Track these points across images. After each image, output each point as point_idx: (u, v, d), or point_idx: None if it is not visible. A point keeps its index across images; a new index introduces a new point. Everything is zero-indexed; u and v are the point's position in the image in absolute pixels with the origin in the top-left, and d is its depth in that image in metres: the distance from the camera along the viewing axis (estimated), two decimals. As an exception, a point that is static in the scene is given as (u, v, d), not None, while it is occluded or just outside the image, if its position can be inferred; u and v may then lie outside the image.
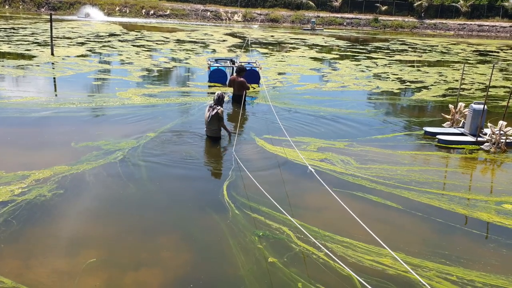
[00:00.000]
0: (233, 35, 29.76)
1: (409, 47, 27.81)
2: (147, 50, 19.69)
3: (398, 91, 13.62)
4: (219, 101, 7.67)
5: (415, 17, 47.54)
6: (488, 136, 8.24)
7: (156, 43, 22.66)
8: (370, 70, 17.29)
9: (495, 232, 5.14)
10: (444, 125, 9.32)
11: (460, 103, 9.33)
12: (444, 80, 15.74)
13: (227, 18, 44.35)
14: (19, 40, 20.15)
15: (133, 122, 8.56)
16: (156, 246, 4.53)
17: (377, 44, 29.49)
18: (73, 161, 6.39)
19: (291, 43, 26.73)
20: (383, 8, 48.56)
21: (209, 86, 12.61)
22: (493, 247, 4.83)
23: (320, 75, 15.93)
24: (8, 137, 7.54)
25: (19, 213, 4.90)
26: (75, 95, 10.69)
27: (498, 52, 28.07)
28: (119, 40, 22.88)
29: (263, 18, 44.53)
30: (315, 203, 5.71)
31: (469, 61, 21.96)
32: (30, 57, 15.80)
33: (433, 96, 12.97)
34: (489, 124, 8.40)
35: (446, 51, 26.78)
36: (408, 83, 14.86)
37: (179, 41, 24.24)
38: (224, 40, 25.82)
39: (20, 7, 40.73)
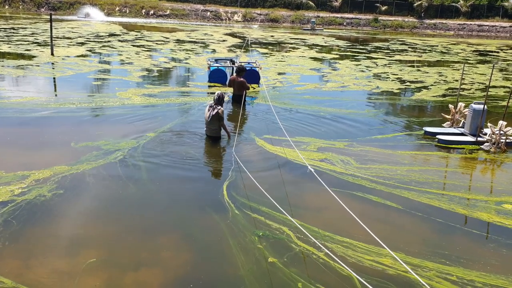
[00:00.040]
0: (233, 35, 29.76)
1: (409, 47, 27.81)
2: (147, 50, 19.69)
3: (398, 91, 13.63)
4: (219, 101, 7.67)
5: (415, 17, 47.55)
6: (488, 136, 8.24)
7: (156, 43, 22.66)
8: (370, 70, 17.29)
9: (495, 232, 5.14)
10: (444, 125, 9.32)
11: (460, 103, 9.33)
12: (444, 80, 15.74)
13: (227, 18, 44.35)
14: (19, 40, 20.15)
15: (133, 122, 8.56)
16: (156, 246, 4.53)
17: (377, 44, 29.50)
18: (73, 161, 6.39)
19: (291, 43, 26.73)
20: (383, 8, 48.56)
21: (209, 86, 12.61)
22: (493, 247, 4.83)
23: (320, 75, 15.93)
24: (8, 137, 7.54)
25: (19, 213, 4.90)
26: (75, 95, 10.69)
27: (498, 52, 28.07)
28: (119, 40, 22.88)
29: (263, 18, 44.54)
30: (315, 203, 5.70)
31: (469, 61, 21.96)
32: (30, 57, 15.80)
33: (433, 96, 12.97)
34: (489, 124, 8.40)
35: (446, 51, 26.78)
36: (408, 83, 14.86)
37: (179, 41, 24.24)
38: (224, 40, 25.82)
39: (20, 7, 40.73)
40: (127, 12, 42.48)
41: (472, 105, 8.63)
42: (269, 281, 4.02)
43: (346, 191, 5.94)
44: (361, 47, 26.81)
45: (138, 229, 4.86)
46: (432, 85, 14.68)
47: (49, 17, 17.71)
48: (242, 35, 29.80)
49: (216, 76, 12.84)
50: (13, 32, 23.30)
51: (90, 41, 21.77)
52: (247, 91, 10.36)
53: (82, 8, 39.70)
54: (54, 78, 12.84)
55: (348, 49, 25.11)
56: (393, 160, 7.28)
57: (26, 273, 3.99)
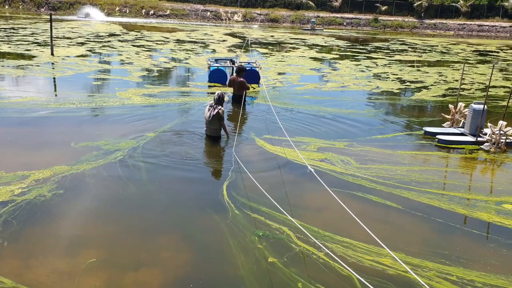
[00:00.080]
0: (233, 35, 29.76)
1: (409, 47, 27.82)
2: (147, 50, 19.69)
3: (398, 91, 13.62)
4: (220, 100, 7.67)
5: (415, 17, 47.54)
6: (488, 136, 8.24)
7: (156, 43, 22.67)
8: (370, 70, 17.29)
9: (495, 232, 5.14)
10: (444, 125, 9.32)
11: (460, 103, 9.33)
12: (444, 80, 15.74)
13: (227, 18, 44.36)
14: (19, 40, 20.15)
15: (133, 122, 8.56)
16: (156, 246, 4.53)
17: (377, 44, 29.50)
18: (73, 161, 6.39)
19: (291, 43, 26.73)
20: (383, 8, 48.56)
21: (209, 86, 12.61)
22: (493, 247, 4.83)
23: (320, 75, 15.93)
24: (8, 137, 7.54)
25: (19, 213, 4.90)
26: (75, 95, 10.69)
27: (498, 52, 28.07)
28: (119, 40, 22.88)
29: (263, 18, 44.54)
30: (315, 203, 5.70)
31: (469, 61, 21.96)
32: (30, 57, 15.80)
33: (433, 96, 12.97)
34: (489, 124, 8.40)
35: (446, 51, 26.78)
36: (408, 83, 14.86)
37: (179, 41, 24.24)
38: (224, 40, 25.82)
39: (20, 7, 40.73)
40: (127, 12, 42.49)
41: (472, 105, 8.63)
42: (269, 281, 4.02)
43: (346, 191, 5.94)
44: (361, 47, 26.81)
45: (138, 229, 4.86)
46: (432, 85, 14.68)
47: (49, 17, 17.71)
48: (242, 35, 29.80)
49: (216, 76, 12.84)
50: (13, 32, 23.30)
51: (90, 41, 21.77)
52: (247, 91, 10.36)
53: (82, 8, 39.69)
54: (54, 78, 12.84)
55: (348, 49, 25.11)
56: (393, 160, 7.28)
57: (26, 273, 3.99)
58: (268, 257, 4.37)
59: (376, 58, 21.15)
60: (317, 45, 26.55)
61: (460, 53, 26.03)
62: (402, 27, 45.36)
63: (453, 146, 8.27)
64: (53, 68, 14.15)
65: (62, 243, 4.47)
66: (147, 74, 14.17)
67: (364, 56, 21.97)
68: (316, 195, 5.85)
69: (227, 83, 11.90)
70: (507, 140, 8.15)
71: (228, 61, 13.70)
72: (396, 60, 20.86)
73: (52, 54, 16.39)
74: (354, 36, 35.98)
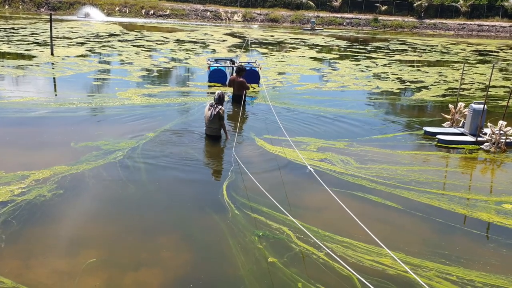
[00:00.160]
0: (233, 35, 29.76)
1: (409, 47, 27.82)
2: (147, 50, 19.69)
3: (398, 91, 13.62)
4: (220, 100, 7.68)
5: (415, 17, 47.54)
6: (488, 136, 8.24)
7: (156, 43, 22.66)
8: (370, 70, 17.29)
9: (495, 232, 5.14)
10: (444, 125, 9.32)
11: (460, 103, 9.33)
12: (444, 80, 15.74)
13: (227, 18, 44.35)
14: (19, 40, 20.14)
15: (132, 122, 8.56)
16: (156, 246, 4.53)
17: (377, 44, 29.50)
18: (73, 161, 6.39)
19: (291, 43, 26.73)
20: (383, 8, 48.56)
21: (209, 86, 12.61)
22: (493, 247, 4.83)
23: (320, 75, 15.93)
24: (7, 137, 7.54)
25: (19, 213, 4.90)
26: (75, 95, 10.69)
27: (498, 52, 28.07)
28: (119, 40, 22.87)
29: (263, 18, 44.53)
30: (315, 203, 5.70)
31: (469, 61, 21.96)
32: (30, 57, 15.80)
33: (433, 96, 12.97)
34: (489, 124, 8.41)
35: (446, 51, 26.78)
36: (408, 83, 14.86)
37: (179, 41, 24.24)
38: (224, 40, 25.82)
39: (20, 7, 40.73)
40: (127, 12, 42.48)
41: (472, 105, 8.63)
42: (269, 281, 4.02)
43: (346, 191, 5.94)
44: (361, 47, 26.81)
45: (138, 229, 4.86)
46: (432, 85, 14.68)
47: (49, 17, 17.71)
48: (242, 35, 29.80)
49: (216, 76, 12.84)
50: (13, 32, 23.30)
51: (90, 41, 21.76)
52: (247, 91, 10.36)
53: (82, 8, 39.69)
54: (54, 78, 12.84)
55: (348, 49, 25.11)
56: (393, 160, 7.28)
57: (26, 273, 3.99)
58: (268, 257, 4.37)
59: (376, 58, 21.15)
60: (317, 45, 26.55)
61: (460, 53, 26.04)
62: (402, 27, 45.36)
63: (453, 146, 8.27)
64: (53, 68, 14.14)
65: (62, 243, 4.47)
66: (147, 74, 14.17)
67: (364, 56, 21.98)
68: (316, 195, 5.85)
69: (227, 83, 11.89)
70: (507, 140, 8.15)
71: (228, 61, 13.69)
72: (396, 60, 20.86)
73: (52, 54, 16.38)
74: (354, 36, 35.98)
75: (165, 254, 4.39)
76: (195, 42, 24.15)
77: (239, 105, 9.88)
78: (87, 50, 18.47)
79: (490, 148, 8.09)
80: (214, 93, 7.86)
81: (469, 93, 13.62)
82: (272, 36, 31.14)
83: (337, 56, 21.82)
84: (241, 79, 10.23)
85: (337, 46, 26.81)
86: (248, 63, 13.74)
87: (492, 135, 8.13)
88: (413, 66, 19.31)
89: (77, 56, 16.71)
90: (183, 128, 8.33)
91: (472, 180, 6.89)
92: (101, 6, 41.62)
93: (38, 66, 14.27)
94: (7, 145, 7.17)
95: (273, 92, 12.22)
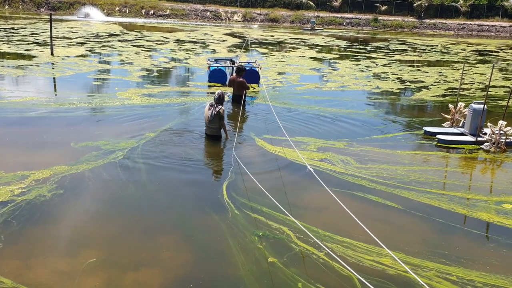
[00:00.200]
0: (233, 35, 29.76)
1: (408, 47, 27.81)
2: (147, 50, 19.69)
3: (398, 91, 13.62)
4: (220, 100, 7.68)
5: (415, 17, 47.54)
6: (488, 136, 8.24)
7: (156, 43, 22.66)
8: (370, 70, 17.29)
9: (495, 232, 5.14)
10: (444, 125, 9.32)
11: (460, 103, 9.33)
12: (444, 80, 15.74)
13: (227, 18, 44.35)
14: (18, 40, 20.14)
15: (132, 122, 8.56)
16: (156, 246, 4.53)
17: (376, 44, 29.50)
18: (73, 161, 6.39)
19: (291, 43, 26.73)
20: (383, 8, 48.56)
21: (209, 86, 12.61)
22: (493, 247, 4.83)
23: (320, 75, 15.93)
24: (7, 137, 7.53)
25: (19, 213, 4.90)
26: (75, 95, 10.69)
27: (497, 52, 28.07)
28: (119, 40, 22.87)
29: (263, 18, 44.53)
30: (315, 203, 5.70)
31: (468, 61, 21.96)
32: (30, 57, 15.80)
33: (433, 96, 12.97)
34: (489, 124, 8.41)
35: (446, 51, 26.78)
36: (408, 83, 14.86)
37: (178, 41, 24.24)
38: (224, 40, 25.82)
39: (20, 7, 40.73)
40: (127, 12, 42.48)
41: (472, 105, 8.63)
42: (269, 281, 4.02)
43: (346, 191, 5.94)
44: (361, 47, 26.81)
45: (138, 229, 4.86)
46: (432, 85, 14.68)
47: (48, 17, 17.71)
48: (242, 35, 29.79)
49: (216, 76, 12.84)
50: (13, 32, 23.30)
51: (90, 41, 21.76)
52: (247, 91, 10.36)
53: (82, 8, 39.69)
54: (54, 78, 12.84)
55: (348, 49, 25.11)
56: (393, 160, 7.28)
57: (26, 273, 3.99)
58: (268, 257, 4.37)
59: (376, 58, 21.15)
60: (317, 45, 26.55)
61: (460, 53, 26.04)
62: (402, 27, 45.36)
63: (453, 146, 8.27)
64: (53, 68, 14.14)
65: (62, 243, 4.47)
66: (147, 74, 14.17)
67: (364, 56, 21.97)
68: (316, 195, 5.85)
69: (227, 83, 11.89)
70: (507, 140, 8.15)
71: (228, 61, 13.69)
72: (396, 60, 20.86)
73: (52, 54, 16.38)
74: (354, 36, 35.98)
75: (165, 254, 4.39)
76: (195, 42, 24.15)
77: (239, 105, 9.88)
78: (87, 50, 18.46)
79: (490, 148, 8.09)
80: (214, 93, 7.86)
81: (469, 93, 13.62)
82: (272, 36, 31.14)
83: (337, 56, 21.82)
84: (241, 79, 10.22)
85: (337, 46, 26.81)
86: (248, 63, 13.74)
87: (492, 135, 8.13)
88: (413, 66, 19.31)
89: (77, 56, 16.71)
90: (183, 128, 8.33)
91: (472, 180, 6.89)
92: (101, 6, 41.62)
93: (38, 66, 14.27)
94: (7, 145, 7.17)
95: (273, 92, 12.22)
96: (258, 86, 12.63)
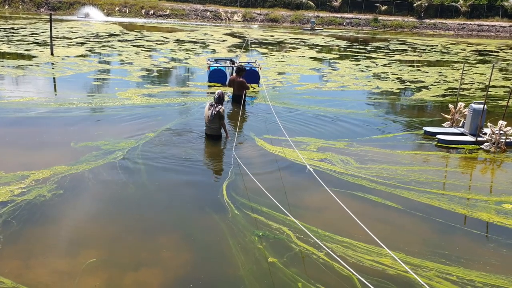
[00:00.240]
0: (232, 35, 29.76)
1: (408, 47, 27.81)
2: (147, 50, 19.68)
3: (398, 91, 13.63)
4: (220, 99, 7.68)
5: (415, 17, 47.54)
6: (488, 136, 8.24)
7: (156, 43, 22.66)
8: (369, 70, 17.29)
9: (495, 232, 5.14)
10: (444, 125, 9.32)
11: (460, 103, 9.33)
12: (444, 80, 15.74)
13: (227, 18, 44.35)
14: (18, 40, 20.14)
15: (132, 122, 8.56)
16: (156, 246, 4.53)
17: (376, 44, 29.50)
18: (73, 161, 6.39)
19: (291, 43, 26.73)
20: (383, 8, 48.55)
21: (209, 86, 12.61)
22: (493, 247, 4.83)
23: (320, 75, 15.93)
24: (7, 137, 7.53)
25: (19, 213, 4.90)
26: (75, 95, 10.69)
27: (497, 52, 28.07)
28: (119, 40, 22.87)
29: (262, 18, 44.53)
30: (315, 203, 5.70)
31: (468, 61, 21.96)
32: (30, 57, 15.79)
33: (433, 96, 12.97)
34: (489, 124, 8.41)
35: (446, 51, 26.78)
36: (407, 83, 14.86)
37: (178, 41, 24.23)
38: (223, 40, 25.82)
39: (20, 7, 40.72)
40: (127, 12, 42.47)
41: (472, 105, 8.63)
42: (269, 281, 4.02)
43: (346, 191, 5.94)
44: (361, 47, 26.81)
45: (138, 229, 4.86)
46: (432, 85, 14.68)
47: (48, 17, 17.70)
48: (242, 35, 29.79)
49: (216, 76, 12.84)
50: (13, 32, 23.30)
51: (90, 41, 21.76)
52: (247, 91, 10.36)
53: (82, 8, 39.68)
54: (54, 78, 12.84)
55: (348, 49, 25.11)
56: (393, 160, 7.28)
57: (26, 273, 3.99)
58: (268, 257, 4.37)
59: (376, 58, 21.15)
60: (317, 45, 26.55)
61: (460, 53, 26.04)
62: (402, 27, 45.35)
63: (453, 146, 8.27)
64: (53, 68, 14.14)
65: (62, 243, 4.47)
66: (147, 74, 14.17)
67: (364, 56, 21.97)
68: (316, 195, 5.85)
69: (227, 83, 11.89)
70: (507, 140, 8.15)
71: (228, 61, 13.69)
72: (396, 60, 20.86)
73: (52, 54, 16.38)
74: (354, 36, 35.98)
75: (165, 254, 4.39)
76: (195, 42, 24.15)
77: (239, 105, 9.88)
78: (87, 50, 18.46)
79: (490, 148, 8.09)
80: (214, 93, 7.86)
81: (469, 93, 13.62)
82: (272, 36, 31.14)
83: (337, 56, 21.82)
84: (241, 79, 10.22)
85: (337, 46, 26.81)
86: (248, 63, 13.74)
87: (492, 135, 8.13)
88: (413, 66, 19.31)
89: (77, 56, 16.71)
90: (183, 128, 8.33)
91: (472, 180, 6.89)
92: (101, 6, 41.61)
93: (38, 66, 14.27)
94: (7, 145, 7.17)
95: (273, 92, 12.22)
96: (258, 86, 12.63)
